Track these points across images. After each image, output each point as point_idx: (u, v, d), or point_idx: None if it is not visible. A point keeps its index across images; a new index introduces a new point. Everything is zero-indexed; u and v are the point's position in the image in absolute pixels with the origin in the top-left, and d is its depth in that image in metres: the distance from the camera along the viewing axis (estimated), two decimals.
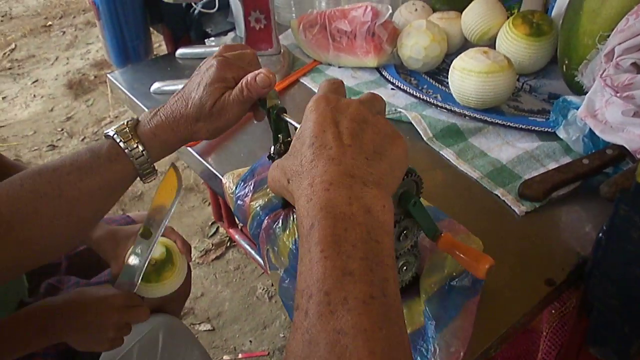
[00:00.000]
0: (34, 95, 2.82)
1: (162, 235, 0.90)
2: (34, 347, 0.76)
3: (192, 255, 1.84)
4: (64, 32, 3.43)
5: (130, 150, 0.60)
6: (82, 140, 2.47)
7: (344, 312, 0.34)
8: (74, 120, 2.60)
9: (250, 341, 1.60)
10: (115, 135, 0.61)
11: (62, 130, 2.54)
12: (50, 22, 3.55)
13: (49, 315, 0.76)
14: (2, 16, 3.68)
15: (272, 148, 0.66)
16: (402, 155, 0.46)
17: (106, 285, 0.83)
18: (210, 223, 1.96)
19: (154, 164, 0.64)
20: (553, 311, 0.74)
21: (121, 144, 0.60)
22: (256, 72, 0.68)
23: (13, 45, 3.30)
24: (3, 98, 2.82)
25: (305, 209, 0.39)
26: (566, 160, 0.79)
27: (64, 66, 3.05)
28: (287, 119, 0.65)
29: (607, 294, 0.56)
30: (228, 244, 1.88)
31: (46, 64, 3.10)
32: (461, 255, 0.53)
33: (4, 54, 3.22)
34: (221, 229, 1.92)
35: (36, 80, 2.95)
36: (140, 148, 0.61)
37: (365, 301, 0.35)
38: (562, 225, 0.72)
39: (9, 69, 3.08)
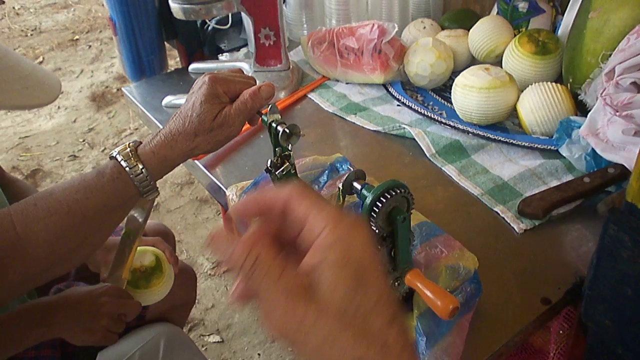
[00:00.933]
0: (59, 107, 2.90)
1: (152, 246, 0.93)
2: (31, 341, 0.78)
3: (204, 266, 1.86)
4: (89, 46, 3.52)
5: (131, 169, 0.64)
6: (103, 151, 2.53)
7: None
8: (96, 131, 2.66)
9: (259, 354, 1.60)
10: (118, 156, 0.65)
11: (84, 141, 2.60)
12: (77, 37, 3.65)
13: (45, 310, 0.79)
14: (32, 30, 3.80)
15: (269, 161, 0.68)
16: None
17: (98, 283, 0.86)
18: None
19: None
20: (561, 332, 0.73)
21: (123, 163, 0.64)
22: (259, 85, 0.71)
23: (41, 58, 3.40)
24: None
25: None
26: (568, 178, 0.79)
27: (88, 79, 3.13)
28: (285, 130, 0.67)
29: (599, 314, 0.55)
30: None
31: (71, 76, 3.18)
32: (427, 292, 0.54)
33: None
34: None
35: (61, 92, 3.03)
36: (140, 166, 0.64)
37: None
38: (561, 244, 0.71)
39: None
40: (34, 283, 0.66)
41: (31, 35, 3.73)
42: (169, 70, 1.24)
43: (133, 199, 0.67)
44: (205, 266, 1.88)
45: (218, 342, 1.64)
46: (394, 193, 0.53)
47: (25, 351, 0.86)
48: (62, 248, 0.63)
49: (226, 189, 0.84)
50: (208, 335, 1.66)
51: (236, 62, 1.17)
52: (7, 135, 2.69)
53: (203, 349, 1.63)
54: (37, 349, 0.87)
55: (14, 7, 4.11)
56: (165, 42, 1.22)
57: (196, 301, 1.75)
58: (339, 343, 0.31)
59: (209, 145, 0.71)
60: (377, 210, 0.53)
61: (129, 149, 0.65)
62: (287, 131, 0.67)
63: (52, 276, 0.66)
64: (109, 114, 2.79)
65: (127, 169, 0.64)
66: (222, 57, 1.24)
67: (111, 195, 0.64)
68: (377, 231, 0.54)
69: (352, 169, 0.82)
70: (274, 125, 0.69)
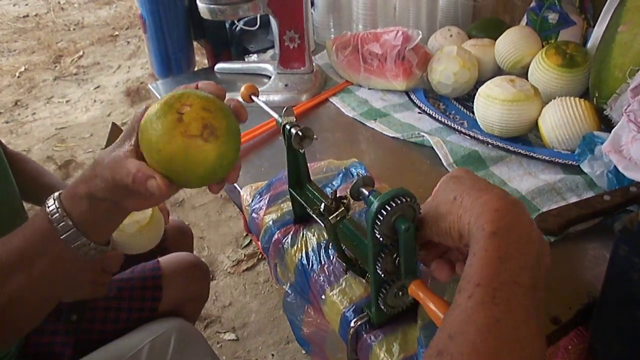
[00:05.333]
0: (95, 100, 2.98)
1: None
2: None
3: (224, 264, 1.88)
4: (128, 42, 3.61)
5: (49, 207, 0.55)
6: None
7: (507, 309, 0.39)
8: None
9: (273, 354, 1.60)
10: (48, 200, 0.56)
11: None
12: (117, 32, 3.74)
13: None
14: (75, 25, 3.91)
15: (322, 205, 0.61)
16: None
17: None
18: (245, 234, 2.00)
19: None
20: (570, 347, 0.71)
21: (47, 206, 0.55)
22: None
23: (81, 53, 3.50)
24: (67, 101, 2.99)
25: (493, 229, 0.43)
26: (589, 195, 0.76)
27: (124, 74, 3.21)
28: (298, 133, 0.66)
29: (608, 337, 0.53)
30: (260, 256, 1.90)
31: (109, 71, 3.26)
32: (429, 304, 0.52)
33: (72, 60, 3.42)
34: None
35: (98, 86, 3.11)
36: (52, 202, 0.55)
37: (527, 310, 0.40)
38: (576, 263, 0.69)
39: (75, 74, 3.26)
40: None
41: (74, 29, 3.85)
42: (196, 69, 1.26)
43: (57, 246, 0.55)
44: (226, 264, 1.90)
45: (233, 340, 1.66)
46: (399, 202, 0.52)
47: (39, 337, 0.89)
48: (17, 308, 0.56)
49: (241, 189, 0.85)
50: (224, 332, 1.68)
51: (262, 63, 1.18)
52: (44, 126, 2.77)
53: (218, 345, 1.64)
54: (52, 334, 0.90)
55: (59, 2, 4.24)
56: (194, 41, 1.24)
57: (214, 298, 1.77)
58: None
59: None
60: (381, 217, 0.52)
61: (56, 193, 0.56)
62: (300, 134, 0.67)
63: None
64: None
65: (47, 208, 0.55)
66: (248, 58, 1.25)
67: (29, 236, 0.55)
68: (381, 239, 0.54)
69: (367, 174, 0.81)
70: (287, 127, 0.69)
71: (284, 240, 0.75)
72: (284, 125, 0.69)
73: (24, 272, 0.55)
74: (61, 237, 0.54)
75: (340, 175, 0.81)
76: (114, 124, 0.91)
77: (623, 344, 0.52)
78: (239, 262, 1.90)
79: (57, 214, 0.54)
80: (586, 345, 0.67)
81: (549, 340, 0.62)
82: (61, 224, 0.54)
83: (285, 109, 0.70)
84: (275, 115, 0.72)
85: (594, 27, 0.96)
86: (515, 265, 0.41)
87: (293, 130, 0.68)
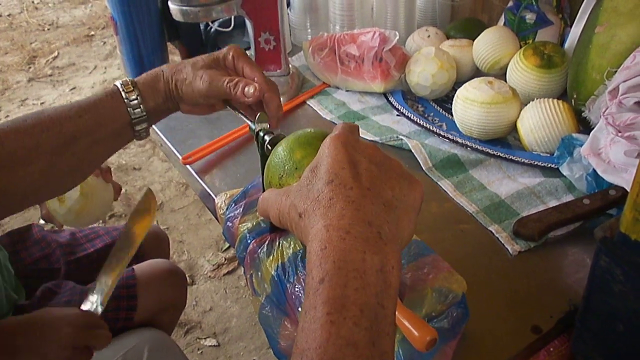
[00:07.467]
0: (70, 102, 2.91)
1: None
2: None
3: (204, 268, 1.85)
4: (104, 42, 3.54)
5: (126, 93, 0.65)
6: None
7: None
8: None
9: None
10: (119, 84, 0.65)
11: None
12: (92, 32, 3.67)
13: (7, 333, 0.75)
14: (50, 25, 3.83)
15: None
16: (418, 202, 0.43)
17: (73, 307, 0.80)
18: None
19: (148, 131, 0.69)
20: (552, 349, 0.70)
21: (118, 85, 0.65)
22: (250, 82, 0.70)
23: (56, 53, 3.43)
24: (42, 103, 2.92)
25: (317, 258, 0.37)
26: (568, 198, 0.75)
27: (101, 75, 3.15)
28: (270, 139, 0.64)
29: (590, 349, 0.52)
30: None
31: (85, 72, 3.20)
32: (403, 321, 0.50)
33: (47, 61, 3.34)
34: None
35: (74, 88, 3.05)
36: (135, 94, 0.65)
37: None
38: (556, 269, 0.68)
39: (50, 75, 3.19)
40: (26, 204, 0.65)
41: (48, 29, 3.76)
42: None
43: (125, 129, 0.66)
44: (206, 268, 1.87)
45: (214, 345, 1.63)
46: None
47: None
48: (53, 168, 0.61)
49: (215, 196, 0.83)
50: (204, 338, 1.65)
51: None
52: None
53: (199, 352, 1.61)
54: None
55: (33, 1, 4.14)
56: (168, 43, 1.21)
57: (194, 303, 1.74)
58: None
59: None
60: None
61: (128, 79, 0.66)
62: (273, 141, 0.65)
63: (42, 199, 0.70)
64: None
65: (123, 93, 0.64)
66: None
67: (104, 115, 0.63)
68: None
69: None
70: (261, 134, 0.67)
71: (259, 250, 0.72)
72: (257, 132, 0.67)
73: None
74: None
75: None
76: (149, 191, 0.86)
77: (605, 357, 0.51)
78: (219, 266, 1.87)
79: (135, 101, 0.65)
80: (568, 350, 0.66)
81: (529, 352, 0.61)
82: (134, 107, 0.65)
83: (258, 114, 0.68)
84: (249, 122, 0.70)
85: (571, 26, 0.95)
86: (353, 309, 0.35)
87: (267, 137, 0.66)
